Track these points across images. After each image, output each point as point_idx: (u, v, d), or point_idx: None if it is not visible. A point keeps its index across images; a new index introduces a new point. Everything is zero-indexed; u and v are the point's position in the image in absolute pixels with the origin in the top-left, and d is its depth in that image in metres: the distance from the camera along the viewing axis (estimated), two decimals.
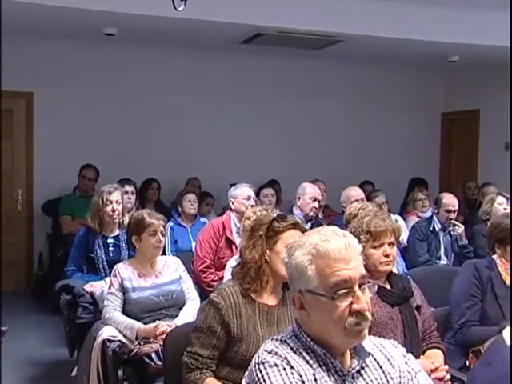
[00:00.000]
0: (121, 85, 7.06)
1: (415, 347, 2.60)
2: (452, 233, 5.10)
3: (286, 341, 1.60)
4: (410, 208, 6.28)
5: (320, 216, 5.72)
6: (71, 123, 6.84)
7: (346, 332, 1.53)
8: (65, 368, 4.04)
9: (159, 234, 3.41)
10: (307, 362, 1.56)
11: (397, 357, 1.66)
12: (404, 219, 6.00)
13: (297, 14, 5.62)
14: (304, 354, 1.57)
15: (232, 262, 3.48)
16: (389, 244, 2.70)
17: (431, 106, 8.54)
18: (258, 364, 1.55)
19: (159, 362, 2.87)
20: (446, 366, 2.61)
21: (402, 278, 2.86)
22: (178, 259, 3.60)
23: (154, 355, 2.94)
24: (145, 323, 3.20)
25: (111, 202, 4.12)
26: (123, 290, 3.29)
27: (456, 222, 5.05)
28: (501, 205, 4.93)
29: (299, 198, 4.91)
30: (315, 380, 1.53)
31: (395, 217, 5.78)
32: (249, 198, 4.48)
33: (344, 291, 1.53)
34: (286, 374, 1.52)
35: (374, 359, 1.63)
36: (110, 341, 3.11)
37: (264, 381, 1.51)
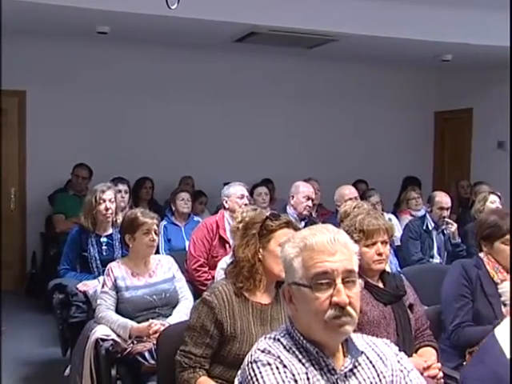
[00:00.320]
0: (114, 83, 7.05)
1: (408, 346, 2.60)
2: (445, 231, 5.12)
3: (279, 339, 1.60)
4: (403, 207, 6.29)
5: (314, 215, 5.73)
6: (64, 122, 6.82)
7: (326, 325, 1.54)
8: (57, 367, 4.02)
9: (153, 232, 3.41)
10: (300, 360, 1.56)
11: (389, 356, 1.66)
12: (397, 218, 6.02)
13: (290, 13, 5.62)
14: (297, 352, 1.57)
15: (222, 264, 3.48)
16: (382, 242, 2.71)
17: (424, 104, 8.57)
18: (251, 363, 1.55)
19: (152, 361, 2.86)
20: (439, 364, 2.62)
21: (394, 276, 2.87)
22: (171, 258, 3.60)
23: (147, 354, 2.93)
24: (138, 322, 3.19)
25: (104, 201, 4.12)
26: (116, 288, 3.29)
27: (449, 220, 5.07)
28: (493, 203, 4.96)
29: (293, 196, 4.91)
30: (308, 379, 1.54)
31: (389, 215, 5.81)
32: (242, 197, 4.48)
33: (324, 281, 1.54)
34: (279, 372, 1.52)
35: (367, 358, 1.64)
36: (103, 340, 3.10)
37: (257, 379, 1.52)
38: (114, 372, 3.00)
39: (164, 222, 5.26)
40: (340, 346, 1.62)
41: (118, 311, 3.26)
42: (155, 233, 3.43)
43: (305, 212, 4.87)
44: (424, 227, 5.13)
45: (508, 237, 2.97)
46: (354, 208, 3.48)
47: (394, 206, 6.77)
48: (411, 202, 6.13)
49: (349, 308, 1.54)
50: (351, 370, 1.60)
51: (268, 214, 2.52)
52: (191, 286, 3.77)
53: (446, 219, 5.09)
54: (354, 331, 1.64)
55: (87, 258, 4.05)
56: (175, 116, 7.33)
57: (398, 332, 2.63)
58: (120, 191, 5.21)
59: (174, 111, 7.32)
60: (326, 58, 7.39)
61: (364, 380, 1.60)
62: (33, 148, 6.81)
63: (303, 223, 4.67)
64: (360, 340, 1.66)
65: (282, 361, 1.54)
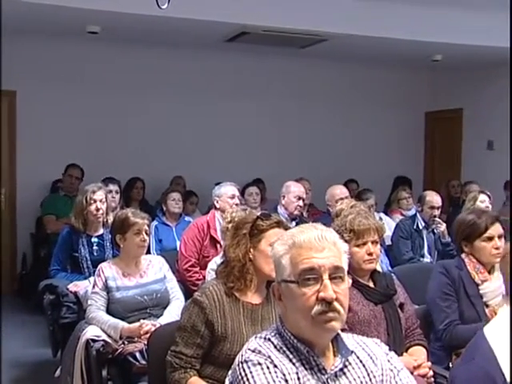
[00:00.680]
0: (104, 83, 7.02)
1: (398, 345, 2.62)
2: (435, 231, 5.14)
3: (269, 339, 1.61)
4: (394, 206, 6.31)
5: (305, 214, 5.73)
6: (54, 122, 6.80)
7: (313, 321, 1.54)
8: (48, 368, 4.01)
9: (143, 233, 3.40)
10: (290, 360, 1.56)
11: (379, 355, 1.67)
12: (388, 217, 6.04)
13: (282, 13, 5.63)
14: (287, 352, 1.57)
15: (212, 265, 3.48)
16: (372, 242, 2.72)
17: (415, 104, 8.59)
18: (242, 363, 1.55)
19: (143, 362, 2.85)
20: (429, 363, 2.63)
21: (385, 275, 2.88)
22: (162, 258, 3.60)
23: (138, 354, 2.92)
24: (129, 322, 3.19)
25: (95, 201, 4.11)
26: (107, 289, 3.28)
27: (438, 220, 5.09)
28: (483, 202, 4.98)
29: (284, 196, 4.92)
30: (298, 379, 1.54)
31: (379, 215, 5.83)
32: (233, 197, 4.49)
33: (310, 276, 1.55)
34: (270, 372, 1.52)
35: (357, 357, 1.64)
36: (93, 340, 3.10)
37: (247, 379, 1.52)
38: (104, 373, 2.99)
39: (155, 223, 5.26)
40: (330, 346, 1.62)
41: (108, 312, 3.26)
42: (146, 233, 3.43)
43: (296, 212, 4.88)
44: (414, 226, 5.15)
45: (487, 235, 2.99)
46: (352, 207, 3.48)
47: (385, 205, 6.80)
48: (402, 202, 6.15)
49: (335, 304, 1.55)
50: (341, 370, 1.60)
51: (259, 213, 2.52)
52: (182, 286, 3.77)
53: (436, 219, 5.11)
54: (345, 330, 1.65)
55: (78, 258, 4.04)
56: (166, 116, 7.32)
57: (389, 331, 2.64)
58: (111, 191, 5.21)
59: (165, 111, 7.30)
60: (318, 57, 7.41)
61: (354, 379, 1.60)
62: (23, 148, 6.77)
63: (294, 223, 4.67)
64: (350, 340, 1.67)
65: (272, 360, 1.54)
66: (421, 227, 5.15)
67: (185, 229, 4.62)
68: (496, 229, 3.01)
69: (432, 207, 5.11)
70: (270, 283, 2.31)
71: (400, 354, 2.54)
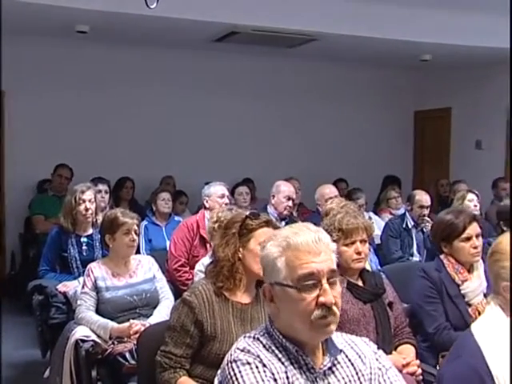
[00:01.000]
0: (93, 83, 7.00)
1: (387, 343, 2.63)
2: (424, 229, 5.16)
3: (258, 338, 1.61)
4: (383, 206, 6.34)
5: (294, 214, 5.74)
6: (43, 122, 6.76)
7: (312, 325, 1.54)
8: (37, 369, 3.99)
9: (133, 232, 3.39)
10: (279, 359, 1.56)
11: (368, 354, 1.67)
12: (378, 216, 6.07)
13: (271, 13, 5.64)
14: (276, 351, 1.58)
15: (200, 266, 3.48)
16: (361, 241, 2.73)
17: (404, 104, 8.63)
18: (231, 362, 1.55)
19: (133, 362, 2.85)
20: (418, 361, 2.65)
21: (374, 274, 2.90)
22: (151, 258, 3.59)
23: (127, 354, 2.91)
24: (119, 323, 3.18)
25: (84, 201, 4.10)
26: (96, 289, 3.27)
27: (427, 219, 5.12)
28: (471, 201, 5.01)
29: (273, 196, 4.93)
30: (287, 378, 1.54)
31: (369, 214, 5.85)
32: (223, 197, 4.49)
33: (310, 283, 1.54)
34: (259, 372, 1.52)
35: (346, 356, 1.65)
36: (83, 341, 3.09)
37: (236, 379, 1.52)
38: (94, 373, 2.98)
39: (145, 222, 5.25)
40: (320, 345, 1.63)
41: (98, 312, 3.25)
42: (135, 233, 3.42)
43: (285, 211, 4.89)
44: (404, 225, 5.18)
45: (465, 235, 3.00)
46: (342, 207, 3.49)
47: (374, 204, 6.82)
48: (391, 201, 6.18)
49: (334, 307, 1.56)
50: (330, 369, 1.61)
51: (248, 213, 2.52)
52: (172, 286, 3.77)
53: (425, 218, 5.14)
54: None
55: (67, 258, 4.03)
56: (156, 115, 7.31)
57: (378, 330, 2.66)
58: (100, 191, 5.20)
59: (155, 111, 7.29)
60: (307, 57, 7.42)
61: (343, 378, 1.61)
62: (11, 148, 6.73)
63: (284, 223, 4.68)
64: (339, 338, 1.67)
65: (261, 360, 1.54)
66: (410, 226, 5.18)
67: (174, 228, 4.61)
68: (474, 228, 3.03)
69: (421, 206, 5.14)
70: (260, 283, 2.32)
71: (389, 353, 2.55)
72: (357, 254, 2.70)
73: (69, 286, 3.81)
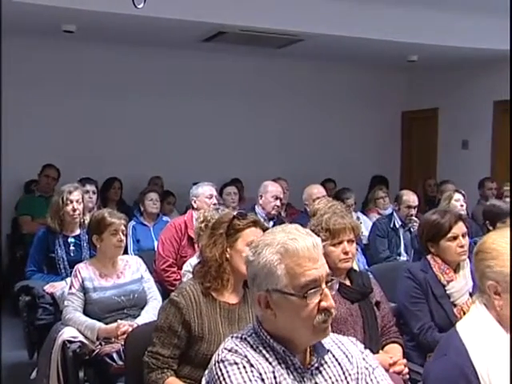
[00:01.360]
0: (80, 83, 6.96)
1: (375, 342, 2.64)
2: (412, 229, 5.19)
3: (245, 338, 1.61)
4: (371, 205, 6.37)
5: (282, 214, 5.76)
6: (29, 122, 6.71)
7: (314, 330, 1.55)
8: (24, 370, 3.96)
9: (120, 233, 3.39)
10: (267, 359, 1.57)
11: (355, 353, 1.68)
12: (366, 216, 6.09)
13: (258, 13, 5.64)
14: (264, 351, 1.58)
15: (187, 266, 3.48)
16: (348, 241, 2.74)
17: (392, 104, 8.67)
18: (218, 362, 1.55)
19: (121, 362, 2.84)
20: (404, 360, 2.67)
21: (361, 274, 2.91)
22: (139, 259, 3.59)
23: (115, 355, 2.91)
24: (106, 323, 3.17)
25: (71, 202, 4.09)
26: (84, 290, 3.27)
27: (414, 218, 5.15)
28: (457, 201, 5.05)
29: (261, 196, 4.94)
30: (274, 377, 1.54)
31: (357, 214, 5.87)
32: (211, 197, 4.49)
33: (314, 290, 1.54)
34: (246, 372, 1.52)
35: (333, 356, 1.66)
36: (70, 341, 3.08)
37: (224, 379, 1.52)
38: (81, 374, 2.97)
39: (133, 223, 5.24)
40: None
41: (85, 313, 3.24)
42: (123, 233, 3.42)
43: (273, 211, 4.90)
44: (391, 225, 5.21)
45: (451, 234, 3.02)
46: (330, 207, 3.50)
47: (362, 204, 6.85)
48: (379, 201, 6.21)
49: (332, 310, 1.57)
50: (317, 368, 1.62)
51: (235, 213, 2.53)
52: (160, 287, 3.76)
53: (413, 217, 5.17)
54: None
55: (54, 259, 4.01)
56: (143, 116, 7.28)
57: (365, 329, 2.66)
58: (88, 192, 5.18)
59: (141, 111, 7.27)
60: (295, 57, 7.43)
61: (330, 378, 1.62)
62: None
63: (272, 222, 4.70)
64: (326, 338, 1.67)
65: (248, 360, 1.54)
66: (397, 226, 5.21)
67: (162, 229, 4.60)
68: (459, 227, 3.05)
69: (409, 206, 5.17)
70: (247, 283, 2.32)
71: (376, 352, 2.56)
72: (344, 253, 2.71)
73: (56, 287, 3.80)
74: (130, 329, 2.92)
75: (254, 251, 1.61)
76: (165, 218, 5.54)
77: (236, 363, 1.53)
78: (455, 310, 2.93)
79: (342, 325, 2.59)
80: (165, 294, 3.60)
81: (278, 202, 4.91)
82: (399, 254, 5.16)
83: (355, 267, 3.16)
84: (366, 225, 5.56)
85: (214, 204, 4.34)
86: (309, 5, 5.72)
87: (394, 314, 2.92)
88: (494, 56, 6.73)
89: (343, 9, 5.82)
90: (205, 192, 4.50)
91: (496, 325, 1.71)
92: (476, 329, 1.72)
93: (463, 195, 5.14)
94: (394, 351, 2.72)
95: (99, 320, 3.19)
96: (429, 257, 3.09)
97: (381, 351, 2.71)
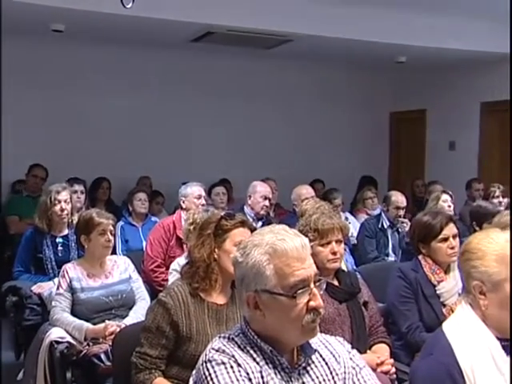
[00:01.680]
0: (69, 83, 6.93)
1: (362, 342, 2.65)
2: (400, 230, 5.22)
3: (233, 338, 1.61)
4: (359, 206, 6.39)
5: (271, 214, 5.76)
6: (16, 121, 6.66)
7: (303, 329, 1.56)
8: (11, 371, 3.92)
9: (108, 233, 3.38)
10: (254, 359, 1.57)
11: (342, 353, 1.69)
12: (354, 217, 6.11)
13: (247, 13, 5.64)
14: (251, 351, 1.58)
15: (174, 265, 3.47)
16: (336, 241, 2.75)
17: (380, 105, 8.70)
18: (206, 362, 1.56)
19: (108, 363, 2.84)
20: (392, 360, 2.68)
21: (349, 274, 2.92)
22: (127, 259, 3.58)
23: (103, 356, 2.90)
24: (94, 324, 3.17)
25: (60, 202, 4.07)
26: (72, 290, 3.25)
27: (403, 219, 5.17)
28: (445, 202, 5.08)
29: (250, 196, 4.94)
30: (262, 377, 1.55)
31: (345, 214, 5.89)
32: (199, 197, 4.49)
33: (303, 290, 1.55)
34: (234, 371, 1.53)
35: (320, 356, 1.66)
36: (57, 342, 3.06)
37: (211, 379, 1.52)
38: (69, 375, 2.96)
39: (121, 223, 5.22)
40: None
41: (73, 313, 3.23)
42: (111, 233, 3.41)
43: (262, 212, 4.91)
44: (379, 226, 5.23)
45: (442, 236, 3.05)
46: (318, 208, 3.51)
47: (351, 205, 6.87)
48: (367, 202, 6.23)
49: (321, 310, 1.58)
50: (305, 368, 1.62)
51: (223, 213, 2.53)
52: (148, 287, 3.75)
53: (401, 218, 5.20)
54: None
55: (42, 259, 3.99)
56: (132, 115, 7.26)
57: (353, 329, 2.68)
58: (76, 192, 5.16)
59: (130, 111, 7.24)
60: (283, 58, 7.43)
61: (317, 377, 1.62)
62: None
63: (261, 223, 4.70)
64: (314, 338, 1.68)
65: (236, 360, 1.54)
66: (386, 226, 5.23)
67: (151, 229, 4.60)
68: (450, 229, 3.08)
69: (397, 207, 5.19)
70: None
71: (363, 352, 2.58)
72: (332, 254, 2.72)
73: (44, 287, 3.78)
74: (118, 329, 2.91)
75: (242, 252, 1.61)
76: (153, 218, 5.53)
77: (223, 363, 1.54)
78: (444, 310, 2.95)
79: (329, 325, 2.60)
80: (153, 294, 3.60)
81: (266, 202, 4.92)
82: (387, 255, 5.18)
83: (343, 267, 3.18)
84: (354, 225, 5.58)
85: (203, 204, 4.34)
86: (297, 6, 5.73)
87: (381, 314, 2.94)
88: (481, 57, 6.79)
89: (331, 10, 5.83)
90: (193, 192, 4.50)
91: (481, 324, 1.72)
92: (462, 328, 1.74)
93: (451, 196, 5.17)
94: (381, 351, 2.74)
95: (87, 320, 3.18)
96: (420, 257, 3.12)
97: (368, 351, 2.72)
